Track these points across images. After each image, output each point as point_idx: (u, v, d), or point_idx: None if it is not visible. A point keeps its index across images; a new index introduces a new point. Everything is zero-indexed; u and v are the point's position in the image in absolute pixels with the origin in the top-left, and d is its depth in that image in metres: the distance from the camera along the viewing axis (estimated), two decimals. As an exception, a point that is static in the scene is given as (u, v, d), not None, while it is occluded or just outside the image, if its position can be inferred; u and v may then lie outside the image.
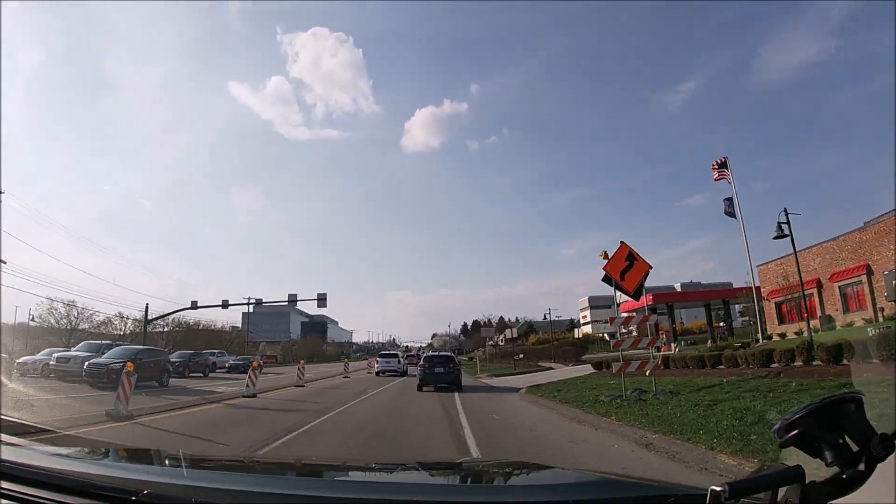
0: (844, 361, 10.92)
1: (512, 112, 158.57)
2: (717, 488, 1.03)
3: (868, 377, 6.32)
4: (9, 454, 1.44)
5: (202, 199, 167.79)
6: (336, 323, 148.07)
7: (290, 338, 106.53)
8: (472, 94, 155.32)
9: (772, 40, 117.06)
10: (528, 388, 16.34)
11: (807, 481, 1.03)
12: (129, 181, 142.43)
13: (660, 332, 50.64)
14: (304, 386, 20.03)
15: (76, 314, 49.47)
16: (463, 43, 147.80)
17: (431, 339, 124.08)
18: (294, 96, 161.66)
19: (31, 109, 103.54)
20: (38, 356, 22.08)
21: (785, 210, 16.74)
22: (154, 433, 8.46)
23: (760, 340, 27.70)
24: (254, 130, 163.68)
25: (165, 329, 60.41)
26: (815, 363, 12.02)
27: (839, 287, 26.95)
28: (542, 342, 58.77)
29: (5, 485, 1.31)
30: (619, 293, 9.98)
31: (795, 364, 12.44)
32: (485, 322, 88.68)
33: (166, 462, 1.79)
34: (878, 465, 1.02)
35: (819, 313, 27.71)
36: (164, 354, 21.53)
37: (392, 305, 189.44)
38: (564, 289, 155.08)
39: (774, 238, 17.12)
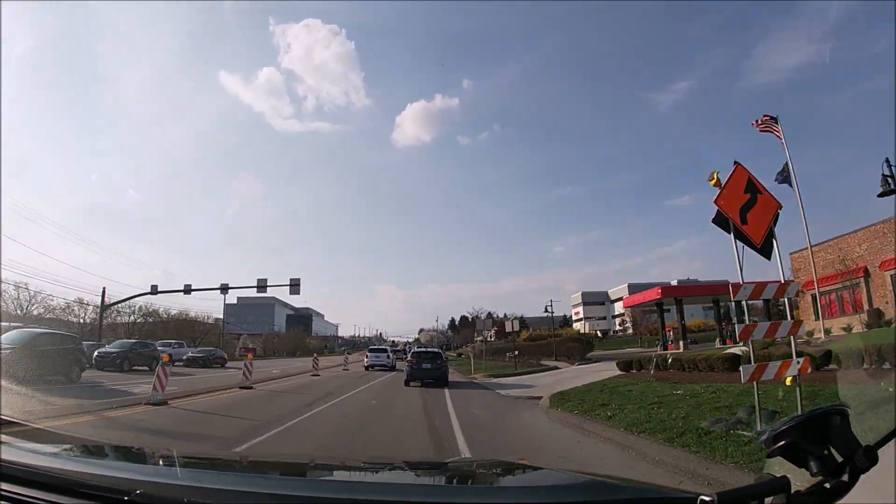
0: None
1: (504, 109, 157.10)
2: (707, 497, 1.08)
3: (853, 388, 4.79)
4: (2, 453, 1.41)
5: (191, 190, 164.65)
6: (322, 316, 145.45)
7: (274, 330, 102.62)
8: (464, 89, 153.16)
9: (767, 41, 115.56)
10: (552, 399, 11.16)
11: (792, 490, 1.06)
12: (116, 171, 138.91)
13: (666, 330, 47.24)
14: (251, 388, 15.45)
15: (28, 298, 45.09)
16: (456, 38, 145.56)
17: (418, 334, 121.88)
18: (285, 88, 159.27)
19: (19, 97, 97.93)
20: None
21: (886, 160, 12.75)
22: None
23: (804, 337, 24.01)
24: (244, 122, 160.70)
25: (134, 319, 55.89)
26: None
27: (892, 276, 23.27)
28: (535, 338, 54.94)
29: None
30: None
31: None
32: (474, 317, 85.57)
33: (160, 462, 1.88)
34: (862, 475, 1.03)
35: (866, 307, 24.08)
36: (75, 342, 17.02)
37: (379, 299, 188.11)
38: (553, 286, 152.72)
39: (880, 195, 13.20)
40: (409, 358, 20.65)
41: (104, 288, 39.21)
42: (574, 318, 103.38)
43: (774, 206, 6.03)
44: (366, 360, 32.47)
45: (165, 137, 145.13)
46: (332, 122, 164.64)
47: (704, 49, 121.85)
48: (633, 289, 76.85)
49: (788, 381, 5.88)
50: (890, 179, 12.74)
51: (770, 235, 5.95)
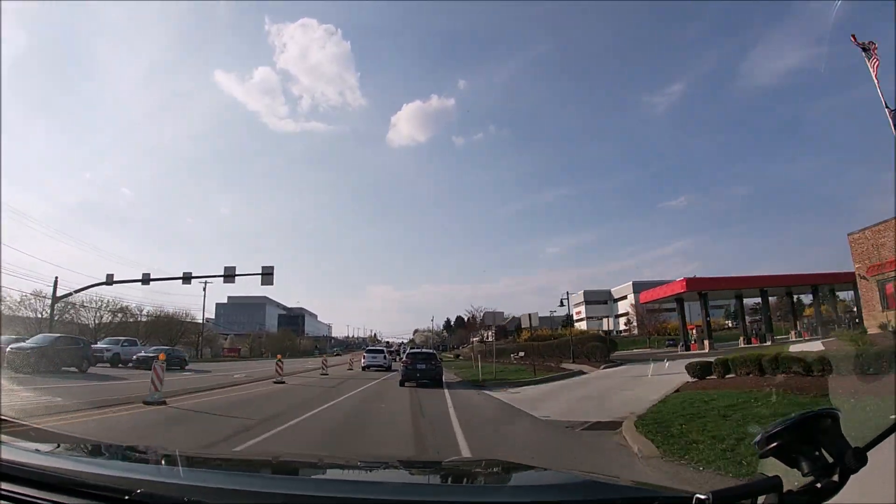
0: None
1: (499, 109, 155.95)
2: (702, 496, 1.08)
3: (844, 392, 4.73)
4: (2, 452, 1.39)
5: (184, 189, 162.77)
6: (315, 316, 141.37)
7: (264, 331, 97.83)
8: (459, 89, 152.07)
9: (762, 44, 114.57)
10: (648, 431, 6.51)
11: (784, 490, 1.07)
12: (109, 169, 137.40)
13: (688, 328, 42.81)
14: (162, 403, 10.51)
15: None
16: (452, 39, 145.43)
17: (413, 334, 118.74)
18: (280, 87, 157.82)
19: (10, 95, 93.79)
20: None
21: None
22: None
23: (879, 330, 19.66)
24: (239, 121, 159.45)
25: (101, 315, 50.80)
26: None
27: None
28: (537, 338, 50.36)
29: None
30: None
31: None
32: (471, 316, 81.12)
33: (161, 461, 1.85)
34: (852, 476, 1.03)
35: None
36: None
37: (373, 300, 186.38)
38: (547, 286, 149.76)
39: None
40: (404, 359, 21.45)
41: (56, 277, 34.56)
42: (576, 317, 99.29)
43: None
44: (363, 360, 33.29)
45: (160, 136, 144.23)
46: (327, 122, 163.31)
47: (698, 52, 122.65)
48: (638, 287, 73.41)
49: None
50: None
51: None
